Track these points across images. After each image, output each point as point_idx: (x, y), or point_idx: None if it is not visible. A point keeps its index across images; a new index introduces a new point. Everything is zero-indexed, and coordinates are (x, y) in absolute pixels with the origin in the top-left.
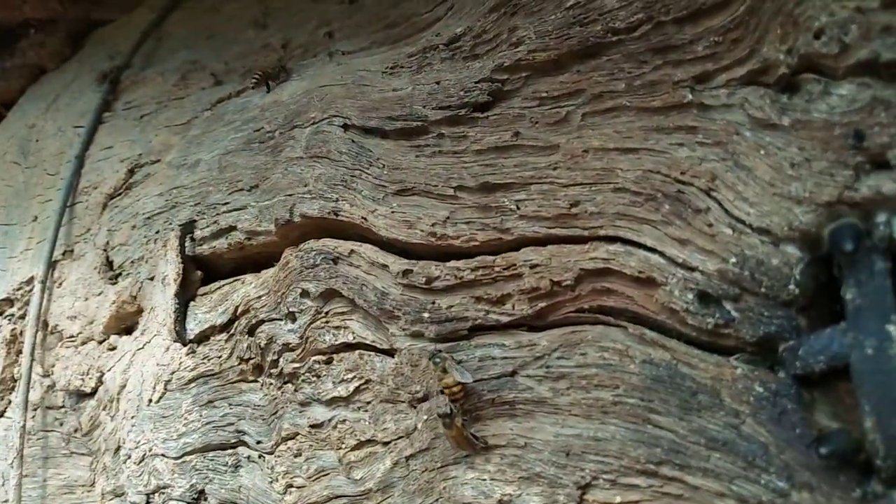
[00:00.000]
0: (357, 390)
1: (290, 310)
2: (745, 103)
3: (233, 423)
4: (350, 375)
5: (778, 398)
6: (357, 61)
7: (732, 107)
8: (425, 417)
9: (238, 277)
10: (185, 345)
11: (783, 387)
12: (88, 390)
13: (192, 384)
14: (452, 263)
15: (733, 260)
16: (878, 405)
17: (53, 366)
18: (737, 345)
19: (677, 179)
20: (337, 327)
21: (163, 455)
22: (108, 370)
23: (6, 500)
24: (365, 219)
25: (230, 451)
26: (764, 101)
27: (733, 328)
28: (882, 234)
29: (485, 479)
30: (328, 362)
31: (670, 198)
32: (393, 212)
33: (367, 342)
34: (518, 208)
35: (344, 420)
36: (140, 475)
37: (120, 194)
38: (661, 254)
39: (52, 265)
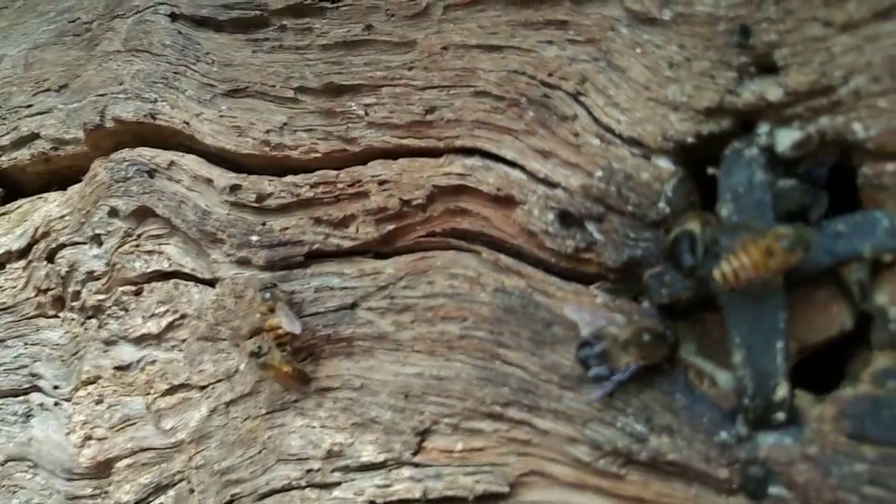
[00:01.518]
0: (170, 326)
1: (96, 231)
2: None
3: (27, 366)
4: (162, 309)
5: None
6: None
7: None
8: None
9: (42, 195)
10: None
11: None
12: None
13: None
14: (289, 178)
15: (599, 174)
16: (749, 337)
17: None
18: (599, 271)
19: (544, 82)
20: (150, 252)
21: None
22: None
23: None
24: (188, 123)
25: (21, 397)
26: None
27: (595, 252)
28: (764, 144)
29: (314, 427)
30: (138, 293)
31: (535, 103)
32: (221, 115)
33: (185, 270)
34: (366, 114)
35: (154, 361)
36: None
37: None
38: (522, 168)
39: None
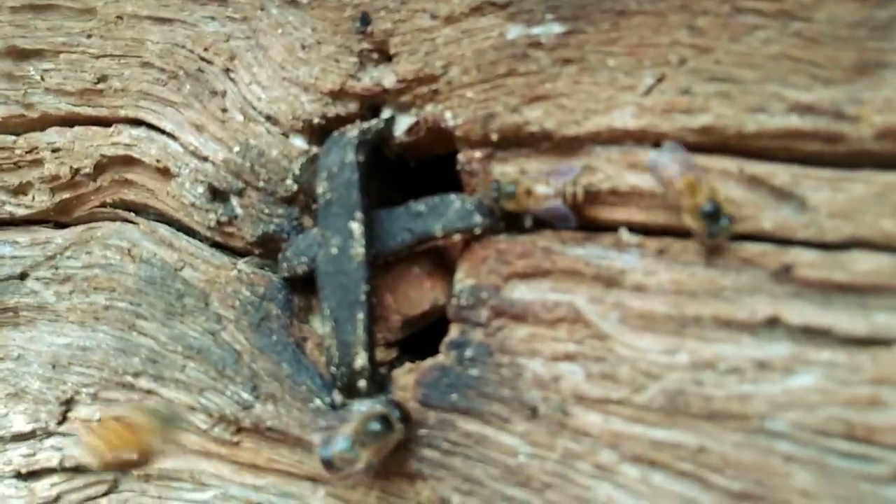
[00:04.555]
0: None
1: None
2: None
3: None
4: None
5: (264, 303)
6: None
7: None
8: None
9: None
10: None
11: (272, 291)
12: None
13: None
14: None
15: (237, 149)
16: (336, 309)
17: None
18: (244, 245)
19: (201, 57)
20: None
21: None
22: None
23: None
24: None
25: None
26: None
27: (236, 226)
28: (368, 126)
29: None
30: None
31: (192, 77)
32: None
33: None
34: (43, 79)
35: None
36: None
37: None
38: (179, 140)
39: None
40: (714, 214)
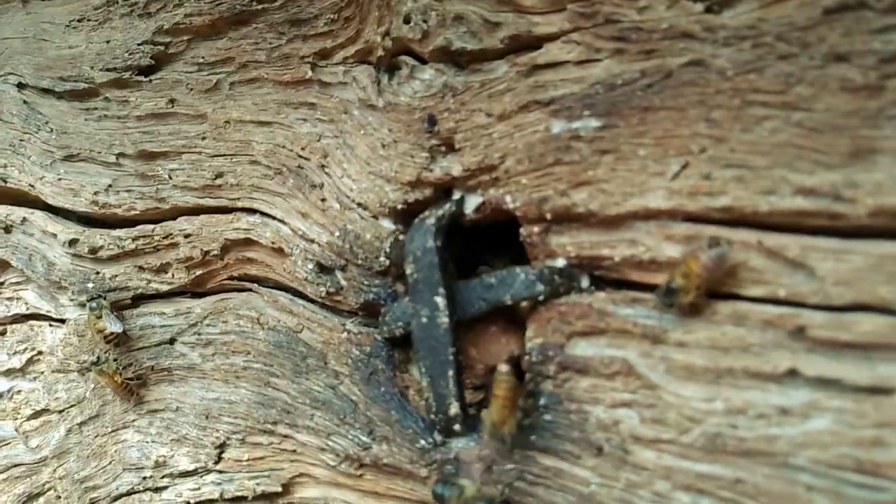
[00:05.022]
0: (30, 361)
1: None
2: (355, 82)
3: None
4: (22, 347)
5: (371, 359)
6: (48, 11)
7: (347, 85)
8: (93, 385)
9: None
10: None
11: (376, 349)
12: None
13: None
14: (116, 232)
15: (337, 233)
16: (431, 367)
17: None
18: (350, 311)
19: (299, 154)
20: (10, 298)
21: None
22: None
23: None
24: (33, 186)
25: None
26: (368, 81)
27: (343, 295)
28: (442, 212)
29: (147, 442)
30: (2, 334)
31: (293, 172)
32: (60, 179)
33: (41, 312)
34: (171, 177)
35: (20, 391)
36: None
37: None
38: (289, 225)
39: None
40: (670, 291)
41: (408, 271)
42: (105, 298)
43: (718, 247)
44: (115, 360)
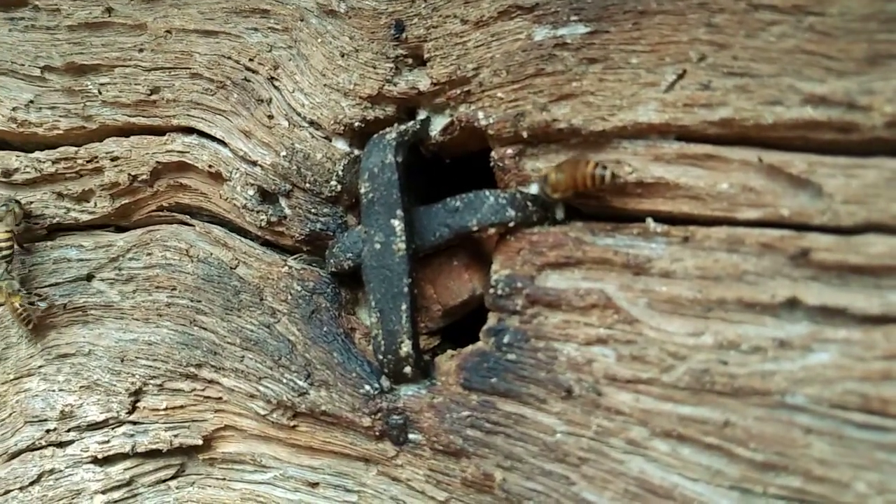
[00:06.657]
0: None
1: None
2: None
3: None
4: None
5: (314, 296)
6: None
7: None
8: None
9: None
10: None
11: (320, 285)
12: None
13: None
14: (34, 154)
15: (283, 153)
16: (381, 300)
17: None
18: (294, 244)
19: (246, 66)
20: None
21: None
22: None
23: None
24: None
25: None
26: None
27: (286, 225)
28: (405, 127)
29: (53, 391)
30: None
31: (238, 86)
32: None
33: None
34: (100, 93)
35: None
36: None
37: None
38: (229, 146)
39: None
40: None
41: (362, 190)
42: (15, 201)
43: None
44: (9, 272)
